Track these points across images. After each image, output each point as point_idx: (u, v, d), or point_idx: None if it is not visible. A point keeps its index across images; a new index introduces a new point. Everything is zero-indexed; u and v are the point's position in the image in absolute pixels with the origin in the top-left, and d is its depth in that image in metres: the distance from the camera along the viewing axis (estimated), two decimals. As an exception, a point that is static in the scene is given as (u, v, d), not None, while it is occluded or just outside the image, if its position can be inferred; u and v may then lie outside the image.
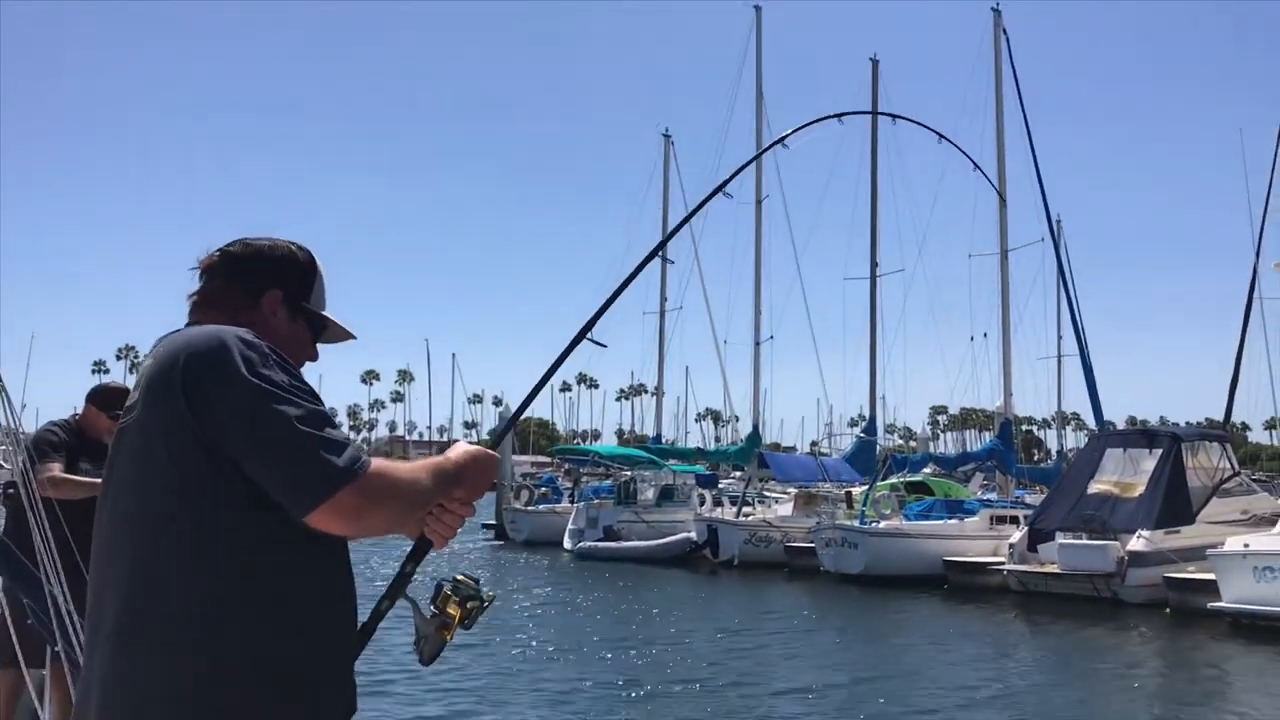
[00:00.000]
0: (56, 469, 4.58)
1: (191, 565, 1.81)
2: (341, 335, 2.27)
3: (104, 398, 4.89)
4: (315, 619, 1.91)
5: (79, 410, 5.02)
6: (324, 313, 2.21)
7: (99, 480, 2.02)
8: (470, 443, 2.15)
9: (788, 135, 3.39)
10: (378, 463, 1.87)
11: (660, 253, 2.72)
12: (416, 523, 2.05)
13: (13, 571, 4.06)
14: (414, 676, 11.37)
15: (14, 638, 3.84)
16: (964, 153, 4.75)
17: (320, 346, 2.23)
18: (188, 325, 2.06)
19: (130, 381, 2.14)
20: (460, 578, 2.11)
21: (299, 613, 1.88)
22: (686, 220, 2.89)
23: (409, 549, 2.15)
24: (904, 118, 4.51)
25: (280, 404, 1.81)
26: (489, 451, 2.11)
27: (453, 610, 2.07)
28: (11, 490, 4.15)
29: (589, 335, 2.51)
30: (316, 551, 1.90)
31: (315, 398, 1.88)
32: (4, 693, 4.74)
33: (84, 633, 1.94)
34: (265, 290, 2.11)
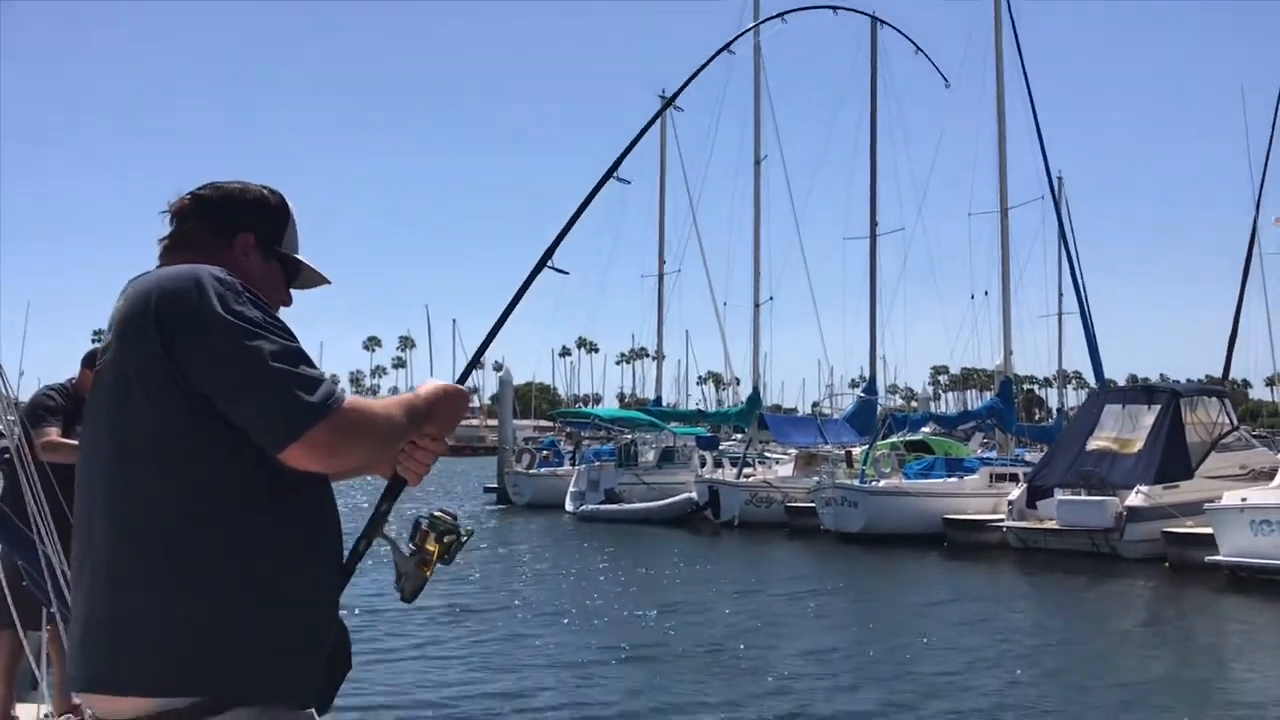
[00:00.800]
0: (54, 434, 4.60)
1: (175, 507, 1.82)
2: (316, 280, 2.26)
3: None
4: (299, 559, 1.91)
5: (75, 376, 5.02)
6: (297, 256, 2.20)
7: None
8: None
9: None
10: (352, 399, 1.86)
11: (614, 172, 2.68)
12: (389, 461, 2.05)
13: (8, 536, 4.09)
14: (420, 642, 11.44)
15: (10, 601, 3.88)
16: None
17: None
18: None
19: None
20: (437, 513, 2.10)
21: (283, 554, 1.88)
22: (645, 131, 2.83)
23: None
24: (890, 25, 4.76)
25: (254, 340, 1.80)
26: (459, 386, 2.10)
27: (431, 546, 2.07)
28: (8, 456, 4.17)
29: (550, 263, 2.51)
30: (299, 490, 1.89)
31: (290, 334, 1.87)
32: (3, 655, 4.78)
33: (71, 577, 1.95)
34: (237, 233, 2.09)
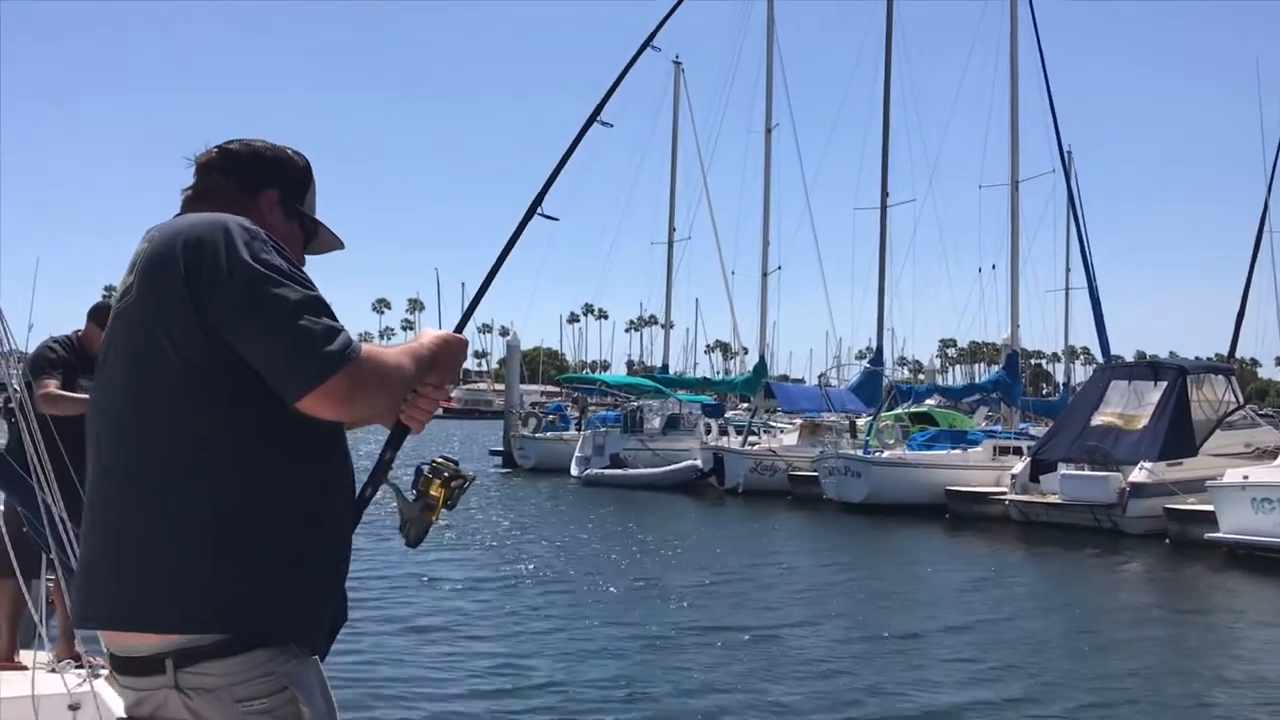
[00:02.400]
0: (53, 386, 4.63)
1: (195, 448, 1.84)
2: (332, 244, 2.29)
3: (105, 315, 4.88)
4: (317, 502, 1.94)
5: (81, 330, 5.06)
6: (316, 218, 2.24)
7: None
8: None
9: None
10: (368, 348, 1.89)
11: (598, 116, 2.71)
12: (394, 409, 2.08)
13: (9, 483, 4.14)
14: (428, 612, 11.32)
15: (9, 549, 3.94)
16: None
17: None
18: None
19: None
20: (439, 459, 2.14)
21: (301, 496, 1.91)
22: (625, 72, 2.84)
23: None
24: None
25: (278, 288, 1.83)
26: (459, 336, 2.14)
27: (435, 491, 2.11)
28: (12, 405, 4.20)
29: (540, 210, 2.55)
30: (317, 435, 1.92)
31: (312, 284, 1.90)
32: (5, 602, 4.85)
33: (83, 525, 1.97)
34: (262, 189, 2.12)
